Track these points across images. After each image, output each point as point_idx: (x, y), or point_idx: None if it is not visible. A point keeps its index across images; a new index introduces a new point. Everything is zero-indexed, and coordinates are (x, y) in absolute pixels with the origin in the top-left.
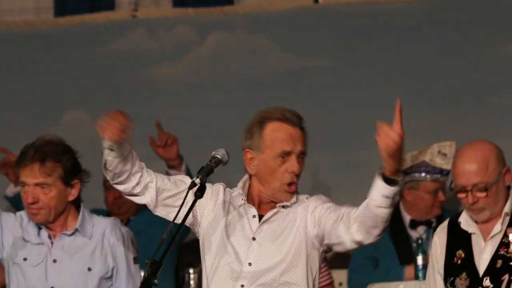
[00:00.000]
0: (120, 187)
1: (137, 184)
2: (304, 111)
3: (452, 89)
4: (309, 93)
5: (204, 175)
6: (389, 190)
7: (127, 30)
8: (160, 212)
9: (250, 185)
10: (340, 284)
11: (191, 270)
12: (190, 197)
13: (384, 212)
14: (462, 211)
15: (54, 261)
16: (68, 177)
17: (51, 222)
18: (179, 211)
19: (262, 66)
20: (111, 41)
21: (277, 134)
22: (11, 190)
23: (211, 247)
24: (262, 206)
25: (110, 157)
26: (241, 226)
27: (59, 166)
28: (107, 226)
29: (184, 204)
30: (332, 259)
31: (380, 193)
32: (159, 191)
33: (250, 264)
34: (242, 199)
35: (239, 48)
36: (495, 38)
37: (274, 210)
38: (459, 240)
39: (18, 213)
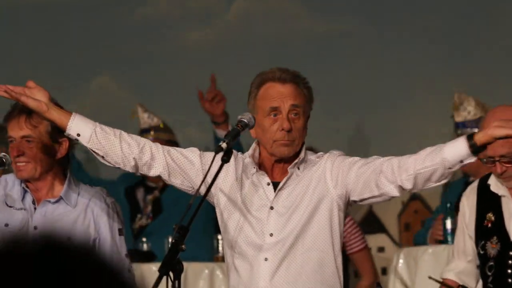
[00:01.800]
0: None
1: (139, 160)
2: (333, 75)
3: (482, 50)
4: (338, 58)
5: (231, 139)
6: (470, 157)
7: None
8: (175, 181)
9: (260, 151)
10: (382, 249)
11: (219, 237)
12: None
13: (449, 172)
14: (491, 173)
15: (35, 228)
16: (55, 132)
17: (37, 179)
18: (205, 175)
19: (290, 30)
20: (139, 7)
21: (266, 93)
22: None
23: (229, 220)
24: (275, 170)
25: (86, 145)
26: (258, 196)
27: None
28: (93, 195)
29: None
30: (367, 224)
31: (459, 156)
32: (170, 164)
33: (271, 235)
34: (254, 167)
35: (266, 13)
36: None
37: (288, 175)
38: (489, 203)
39: (3, 177)
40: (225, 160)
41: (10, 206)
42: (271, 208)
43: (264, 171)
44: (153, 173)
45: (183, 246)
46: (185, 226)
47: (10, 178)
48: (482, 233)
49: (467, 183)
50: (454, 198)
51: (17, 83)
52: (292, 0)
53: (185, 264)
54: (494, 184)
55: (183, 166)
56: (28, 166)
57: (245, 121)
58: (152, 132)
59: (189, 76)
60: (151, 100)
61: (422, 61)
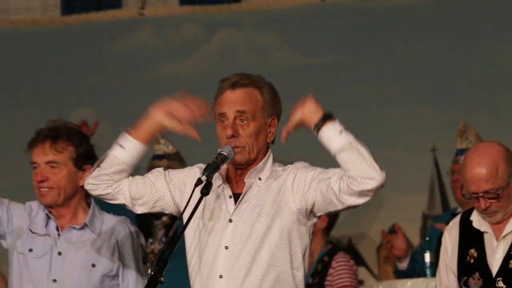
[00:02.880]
0: (93, 191)
1: (109, 188)
2: None
3: (457, 86)
4: (316, 90)
5: (210, 172)
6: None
7: (134, 29)
8: (141, 210)
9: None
10: (361, 282)
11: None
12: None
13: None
14: (473, 207)
15: (59, 253)
16: (80, 159)
17: (60, 205)
18: (185, 208)
19: (269, 63)
20: (118, 39)
21: (219, 100)
22: None
23: (189, 236)
24: (238, 182)
25: (121, 157)
26: (219, 208)
27: (71, 145)
28: (117, 224)
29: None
30: None
31: (333, 140)
32: (134, 198)
33: (226, 247)
34: (219, 179)
35: (246, 45)
36: (497, 34)
37: (247, 187)
38: (471, 238)
39: (28, 203)
40: (205, 192)
41: (34, 232)
42: (230, 221)
43: (228, 183)
44: (114, 202)
45: (161, 279)
46: (164, 259)
47: (34, 204)
48: (464, 269)
49: (452, 215)
50: (434, 232)
51: None
52: (272, 33)
53: None
54: (477, 220)
55: (146, 192)
56: (51, 192)
57: (225, 154)
58: (165, 160)
59: None
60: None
61: (400, 93)
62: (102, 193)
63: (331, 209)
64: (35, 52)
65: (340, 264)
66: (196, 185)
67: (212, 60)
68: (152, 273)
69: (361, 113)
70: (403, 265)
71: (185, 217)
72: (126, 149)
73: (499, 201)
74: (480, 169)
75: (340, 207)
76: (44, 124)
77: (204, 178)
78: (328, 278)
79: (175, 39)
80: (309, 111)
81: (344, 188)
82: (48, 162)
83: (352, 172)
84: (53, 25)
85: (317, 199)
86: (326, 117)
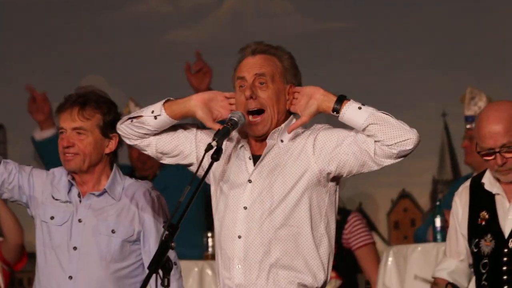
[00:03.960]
0: (123, 138)
1: (138, 140)
2: (322, 74)
3: (468, 51)
4: (328, 56)
5: (221, 138)
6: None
7: None
8: (168, 161)
9: None
10: None
11: (209, 234)
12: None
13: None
14: (485, 170)
15: (79, 220)
16: (107, 127)
17: (84, 171)
18: (194, 175)
19: (281, 29)
20: (129, 5)
21: (238, 66)
22: (39, 134)
23: (214, 198)
24: (258, 144)
25: (151, 124)
26: (239, 170)
27: (98, 113)
28: (138, 189)
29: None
30: None
31: (355, 117)
32: (160, 152)
33: (245, 207)
34: (240, 141)
35: (257, 11)
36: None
37: (268, 148)
38: (482, 201)
39: (51, 170)
40: (215, 158)
41: (56, 199)
42: (249, 181)
43: (248, 145)
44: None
45: (172, 244)
46: (174, 224)
47: (57, 171)
48: (475, 231)
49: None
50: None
51: (7, 79)
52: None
53: None
54: (488, 183)
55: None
56: (76, 158)
57: (235, 119)
58: None
59: (179, 74)
60: (141, 97)
61: (410, 59)
62: (132, 143)
63: (365, 170)
64: (44, 20)
65: (358, 223)
66: (206, 151)
67: (223, 26)
68: (163, 238)
69: (371, 79)
70: None
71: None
72: (158, 120)
73: None
74: (497, 124)
75: (375, 168)
76: (54, 91)
77: (214, 143)
78: (345, 236)
79: (186, 5)
80: (322, 100)
81: (380, 153)
82: (75, 128)
83: (387, 140)
84: None
85: (349, 161)
86: (342, 99)
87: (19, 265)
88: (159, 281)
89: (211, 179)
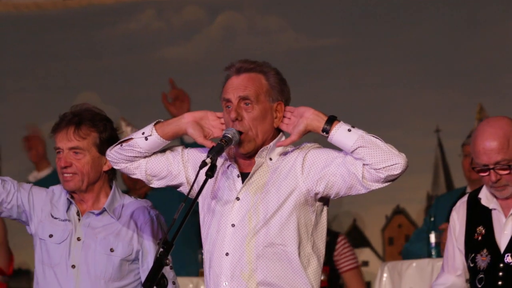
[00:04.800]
0: (112, 163)
1: (127, 163)
2: (315, 90)
3: (464, 67)
4: (321, 72)
5: (215, 155)
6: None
7: (136, 11)
8: (157, 184)
9: None
10: (366, 263)
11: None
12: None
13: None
14: (482, 186)
15: (78, 239)
16: (104, 145)
17: (83, 191)
18: (189, 191)
19: (273, 46)
20: (120, 22)
21: (224, 87)
22: (34, 175)
23: (202, 215)
24: (246, 162)
25: (142, 146)
26: (227, 187)
27: (94, 131)
28: (137, 207)
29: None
30: (351, 238)
31: (345, 139)
32: (149, 174)
33: (233, 225)
34: (227, 159)
35: (249, 28)
36: (502, 16)
37: (257, 166)
38: (479, 216)
39: (51, 188)
40: (209, 175)
41: (55, 218)
42: (237, 198)
43: (236, 163)
44: (133, 176)
45: (167, 261)
46: (169, 241)
47: (57, 189)
48: (472, 246)
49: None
50: (436, 212)
51: (1, 96)
52: (276, 15)
53: None
54: (485, 198)
55: (164, 170)
56: (75, 178)
57: (229, 136)
58: None
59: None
60: (133, 113)
61: (403, 76)
62: (120, 167)
63: (353, 193)
64: (38, 36)
65: (345, 246)
66: (200, 167)
67: (215, 43)
68: (158, 255)
69: (365, 95)
70: None
71: (192, 198)
72: (148, 140)
73: (509, 174)
74: (492, 141)
75: (363, 191)
76: (48, 108)
77: (208, 160)
78: (335, 258)
79: (177, 21)
80: (312, 119)
81: (368, 176)
82: (71, 148)
83: (375, 164)
84: (55, 8)
85: (337, 182)
86: (332, 119)
87: (10, 268)
88: None
89: (199, 197)
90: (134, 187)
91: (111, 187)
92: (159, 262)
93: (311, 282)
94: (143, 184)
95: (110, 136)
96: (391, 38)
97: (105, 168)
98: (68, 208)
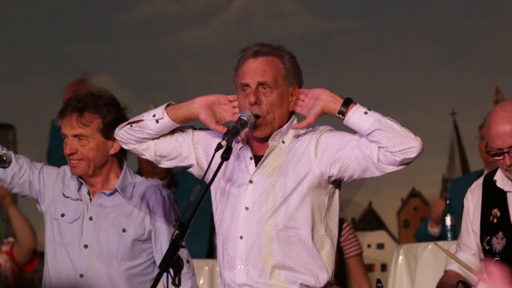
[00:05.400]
0: (121, 143)
1: (136, 145)
2: (330, 74)
3: (480, 50)
4: (336, 55)
5: (230, 137)
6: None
7: None
8: (166, 164)
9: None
10: (369, 246)
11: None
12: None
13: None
14: (497, 168)
15: (90, 218)
16: (108, 129)
17: (91, 175)
18: (205, 173)
19: (288, 29)
20: (137, 6)
21: (241, 69)
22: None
23: (214, 198)
24: (260, 145)
25: (152, 128)
26: (240, 170)
27: (98, 118)
28: (148, 187)
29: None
30: (367, 221)
31: (361, 122)
32: (159, 155)
33: (246, 208)
34: (239, 142)
35: (265, 11)
36: None
37: (270, 149)
38: (494, 198)
39: (62, 168)
40: (225, 157)
41: (67, 197)
42: (250, 181)
43: (249, 145)
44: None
45: (183, 243)
46: (185, 223)
47: (68, 168)
48: (487, 229)
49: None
50: (455, 195)
51: (18, 79)
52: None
53: None
54: (500, 180)
55: (173, 150)
56: (81, 164)
57: (245, 118)
58: None
59: (187, 74)
60: (148, 97)
61: (419, 58)
62: (130, 147)
63: (367, 175)
64: (53, 19)
65: (350, 232)
66: (216, 150)
67: (231, 27)
68: (174, 237)
69: (381, 78)
70: (436, 230)
71: (207, 181)
72: (159, 123)
73: None
74: (506, 125)
75: (377, 174)
76: (63, 91)
77: (224, 143)
78: (341, 244)
79: (194, 5)
80: (328, 101)
81: (384, 159)
82: (75, 135)
83: (391, 147)
84: None
85: (351, 165)
86: (348, 102)
87: (30, 268)
88: (170, 280)
89: (211, 179)
90: (153, 171)
91: (121, 168)
92: (175, 244)
93: (325, 264)
94: (161, 170)
95: (115, 119)
96: (407, 21)
97: (112, 151)
98: (80, 188)
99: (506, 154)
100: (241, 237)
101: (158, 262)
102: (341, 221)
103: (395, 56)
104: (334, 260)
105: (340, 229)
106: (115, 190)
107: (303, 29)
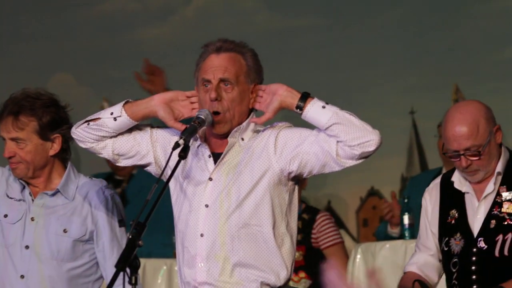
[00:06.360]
0: (78, 142)
1: (94, 143)
2: (292, 71)
3: (439, 47)
4: (297, 53)
5: (188, 136)
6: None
7: None
8: (124, 163)
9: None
10: None
11: (175, 232)
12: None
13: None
14: (454, 168)
15: (32, 219)
16: (46, 131)
17: (31, 177)
18: (162, 172)
19: (249, 26)
20: (96, 3)
21: (203, 64)
22: None
23: (174, 196)
24: (217, 142)
25: (110, 126)
26: (199, 168)
27: (33, 120)
28: (91, 188)
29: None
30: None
31: (319, 116)
32: (116, 154)
33: (206, 205)
34: (197, 140)
35: (225, 8)
36: None
37: (229, 146)
38: (452, 199)
39: (7, 167)
40: (182, 156)
41: (11, 198)
42: (210, 179)
43: (207, 143)
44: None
45: (140, 242)
46: (141, 222)
47: None
48: (445, 230)
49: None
50: (411, 193)
51: None
52: None
53: (142, 260)
54: (458, 181)
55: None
56: (20, 166)
57: (202, 117)
58: None
59: None
60: (108, 95)
61: (381, 55)
62: (87, 146)
63: (327, 170)
64: (11, 16)
65: (325, 223)
66: (173, 149)
67: (191, 24)
68: (130, 236)
69: (340, 76)
70: (396, 231)
71: (164, 179)
72: (117, 121)
73: (480, 159)
74: (461, 127)
75: (337, 169)
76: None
77: (181, 141)
78: (313, 236)
79: (153, 2)
80: (285, 96)
81: (342, 153)
82: (12, 139)
83: (349, 141)
84: None
85: (310, 161)
86: (306, 96)
87: None
88: (127, 279)
89: (172, 184)
90: (117, 167)
91: (65, 168)
92: (132, 243)
93: (285, 261)
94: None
95: (51, 120)
96: (367, 19)
97: (52, 152)
98: (23, 189)
99: (462, 156)
100: (201, 235)
101: (101, 262)
102: (316, 212)
103: (355, 53)
104: (293, 257)
105: (313, 220)
106: (57, 191)
107: (264, 26)
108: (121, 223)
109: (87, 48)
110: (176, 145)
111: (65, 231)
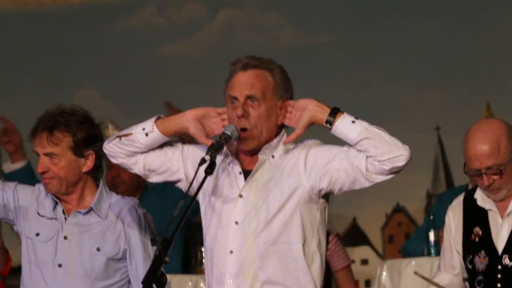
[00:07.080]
0: (110, 157)
1: (125, 159)
2: (314, 88)
3: (465, 64)
4: (321, 69)
5: (214, 152)
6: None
7: (137, 8)
8: (155, 179)
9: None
10: (353, 261)
11: (203, 249)
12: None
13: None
14: (477, 186)
15: (65, 237)
16: (79, 147)
17: (64, 193)
18: (188, 188)
19: (273, 42)
20: (121, 19)
21: (231, 82)
22: (8, 166)
23: (203, 213)
24: (248, 159)
25: (142, 141)
26: (229, 184)
27: (68, 136)
28: (124, 206)
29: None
30: (351, 236)
31: (348, 131)
32: (147, 169)
33: (236, 222)
34: (228, 156)
35: (249, 25)
36: (502, 14)
37: (260, 163)
38: (475, 217)
39: (37, 186)
40: (209, 172)
41: (42, 216)
42: (240, 196)
43: (238, 160)
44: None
45: (166, 259)
46: (168, 238)
47: (43, 187)
48: (469, 248)
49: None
50: (438, 210)
51: (1, 92)
52: (275, 12)
53: (169, 276)
54: (481, 198)
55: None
56: (54, 182)
57: (228, 133)
58: None
59: (172, 87)
60: (133, 110)
61: (404, 72)
62: (118, 161)
63: (357, 187)
64: (38, 32)
65: (337, 245)
66: (200, 165)
67: (215, 40)
68: (157, 253)
69: (365, 92)
70: None
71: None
72: (149, 137)
73: (501, 177)
74: (483, 145)
75: (367, 185)
76: (47, 105)
77: (207, 157)
78: (328, 258)
79: (178, 18)
80: (315, 111)
81: (372, 169)
82: (46, 154)
83: (379, 156)
84: (56, 5)
85: (340, 177)
86: (335, 111)
87: (6, 269)
88: None
89: (200, 194)
90: (115, 191)
91: (97, 186)
92: (158, 260)
93: (314, 280)
94: (123, 190)
95: (86, 137)
96: (392, 35)
97: (85, 169)
98: (55, 207)
99: (484, 175)
100: (231, 252)
101: (133, 281)
102: (327, 234)
103: (380, 70)
104: (323, 276)
105: (327, 242)
106: (91, 209)
107: (288, 42)
108: (154, 242)
109: (112, 63)
110: (202, 161)
111: (98, 249)
